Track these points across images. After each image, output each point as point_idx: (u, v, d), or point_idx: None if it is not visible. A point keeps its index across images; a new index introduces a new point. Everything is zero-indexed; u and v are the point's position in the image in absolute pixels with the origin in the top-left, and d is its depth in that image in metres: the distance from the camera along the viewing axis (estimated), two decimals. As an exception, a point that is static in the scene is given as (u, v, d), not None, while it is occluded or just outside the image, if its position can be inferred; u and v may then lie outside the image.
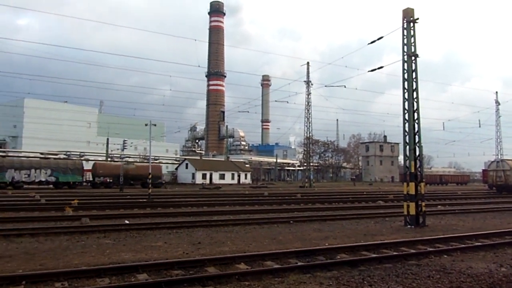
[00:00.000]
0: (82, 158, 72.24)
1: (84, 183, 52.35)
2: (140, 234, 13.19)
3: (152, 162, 53.13)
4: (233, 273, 7.81)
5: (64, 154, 69.30)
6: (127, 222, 16.12)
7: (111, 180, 50.54)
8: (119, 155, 76.80)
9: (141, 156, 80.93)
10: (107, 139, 71.54)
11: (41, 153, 67.47)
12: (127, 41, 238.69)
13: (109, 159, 71.75)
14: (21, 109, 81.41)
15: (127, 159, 75.23)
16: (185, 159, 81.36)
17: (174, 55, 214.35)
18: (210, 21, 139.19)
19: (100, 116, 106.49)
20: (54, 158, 56.12)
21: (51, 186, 47.32)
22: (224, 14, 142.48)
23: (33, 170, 45.66)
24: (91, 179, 53.48)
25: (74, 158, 65.05)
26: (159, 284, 7.04)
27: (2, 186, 42.71)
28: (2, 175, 43.39)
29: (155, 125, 40.27)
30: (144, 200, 27.60)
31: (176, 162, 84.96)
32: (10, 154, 74.20)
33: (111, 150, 73.86)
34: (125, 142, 76.41)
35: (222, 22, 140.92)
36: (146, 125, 39.06)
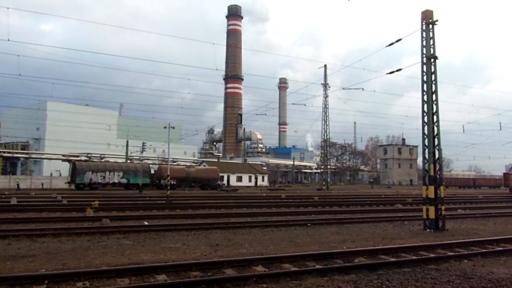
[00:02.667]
0: (103, 160, 73.41)
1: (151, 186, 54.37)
2: (159, 235, 13.36)
3: (171, 164, 54.31)
4: (250, 275, 7.86)
5: (85, 156, 70.48)
6: (146, 223, 16.32)
7: (174, 182, 52.57)
8: (138, 157, 77.76)
9: (159, 158, 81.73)
10: (127, 141, 72.50)
11: (63, 155, 68.85)
12: (146, 45, 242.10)
13: (128, 161, 72.68)
14: (44, 112, 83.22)
15: (146, 161, 76.13)
16: (203, 161, 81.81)
17: (192, 59, 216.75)
18: (228, 25, 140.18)
19: (120, 119, 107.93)
20: (126, 162, 60.46)
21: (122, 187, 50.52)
22: (242, 17, 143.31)
23: (107, 173, 49.68)
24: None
25: (95, 159, 66.04)
26: (178, 285, 7.15)
27: (81, 187, 47.23)
28: (81, 177, 47.80)
29: (173, 127, 40.70)
30: (163, 201, 27.89)
31: (194, 164, 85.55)
32: (32, 156, 76.11)
33: (131, 152, 74.81)
34: (144, 144, 77.45)
35: (240, 26, 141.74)
36: (164, 127, 39.54)
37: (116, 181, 50.16)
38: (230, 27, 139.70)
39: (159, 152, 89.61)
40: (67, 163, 67.10)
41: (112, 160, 73.78)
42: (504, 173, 66.21)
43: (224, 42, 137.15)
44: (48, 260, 9.26)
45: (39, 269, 8.33)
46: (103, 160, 69.08)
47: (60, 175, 69.40)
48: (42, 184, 54.20)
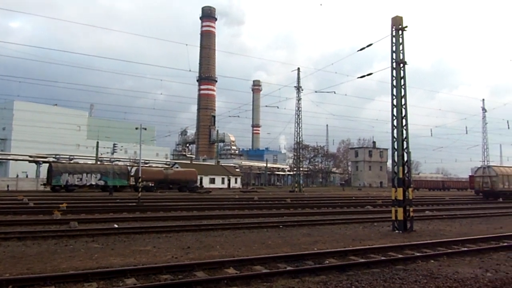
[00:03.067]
0: (72, 162, 71.64)
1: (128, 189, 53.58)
2: (129, 238, 13.14)
3: (143, 166, 53.70)
4: (221, 277, 7.83)
5: (53, 157, 68.60)
6: (116, 226, 16.04)
7: (152, 184, 53.02)
8: (109, 159, 76.29)
9: (131, 160, 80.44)
10: (97, 142, 71.01)
11: (30, 156, 66.77)
12: (118, 45, 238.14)
13: (98, 163, 71.24)
14: (10, 111, 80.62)
15: (117, 162, 74.80)
16: (175, 163, 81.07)
17: (165, 59, 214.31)
18: (202, 26, 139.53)
19: (90, 119, 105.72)
20: (104, 164, 59.69)
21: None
22: (216, 19, 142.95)
23: (84, 174, 48.73)
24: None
25: (64, 161, 64.41)
26: (148, 288, 7.05)
27: (57, 189, 46.32)
28: (57, 178, 46.69)
29: (145, 129, 40.15)
30: (134, 204, 27.46)
31: (167, 166, 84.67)
32: (-2, 157, 73.57)
33: (101, 154, 73.32)
34: (115, 145, 76.05)
35: (214, 27, 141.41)
36: (136, 128, 38.94)
37: (93, 183, 49.35)
38: (204, 28, 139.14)
39: (131, 153, 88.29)
40: (34, 164, 65.17)
41: (81, 161, 72.24)
42: (470, 176, 68.30)
43: (198, 44, 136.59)
44: (12, 265, 8.97)
45: (3, 273, 8.05)
46: (72, 162, 67.60)
47: (27, 176, 67.32)
48: (8, 186, 52.42)
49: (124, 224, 16.82)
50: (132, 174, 53.13)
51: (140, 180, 36.18)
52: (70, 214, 20.25)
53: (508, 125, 62.92)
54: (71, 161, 66.14)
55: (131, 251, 10.90)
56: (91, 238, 13.06)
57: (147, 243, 12.22)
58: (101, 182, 49.66)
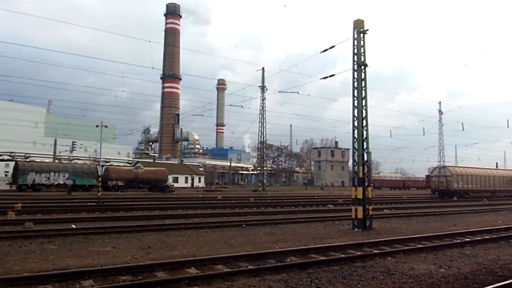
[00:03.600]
0: (28, 160, 68.89)
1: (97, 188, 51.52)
2: (87, 239, 12.79)
3: (103, 164, 52.70)
4: (182, 277, 7.76)
5: (8, 155, 65.82)
6: (73, 226, 15.58)
7: (122, 184, 52.16)
8: (67, 157, 73.96)
9: (91, 158, 78.31)
10: (55, 140, 68.70)
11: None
12: (80, 40, 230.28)
13: (56, 161, 68.91)
14: (-39, 107, 76.81)
15: (76, 160, 72.60)
16: (138, 161, 79.60)
17: (128, 56, 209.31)
18: (166, 23, 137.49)
19: (48, 116, 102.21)
20: (72, 163, 58.35)
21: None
22: (181, 16, 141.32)
23: (52, 174, 47.49)
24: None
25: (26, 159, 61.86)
26: (106, 290, 6.89)
27: (24, 188, 44.80)
28: (24, 177, 45.29)
29: (106, 126, 39.24)
30: (93, 203, 26.75)
31: (128, 165, 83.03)
32: None
33: (59, 152, 70.98)
34: (74, 143, 73.82)
35: (179, 25, 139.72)
36: (97, 126, 38.00)
37: (62, 182, 47.80)
38: (169, 25, 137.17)
39: (91, 151, 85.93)
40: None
41: (38, 159, 69.74)
42: (426, 175, 70.93)
43: (162, 41, 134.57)
44: (-39, 268, 8.53)
45: (-51, 277, 7.64)
46: (28, 160, 65.25)
47: (-21, 175, 64.32)
48: (-42, 186, 49.88)
49: (83, 225, 16.36)
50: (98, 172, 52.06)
51: (100, 178, 35.19)
52: (25, 215, 19.48)
53: (463, 127, 65.77)
54: (27, 159, 63.73)
55: (89, 252, 10.61)
56: (47, 239, 12.62)
57: (106, 244, 11.93)
58: (70, 182, 48.08)
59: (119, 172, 53.73)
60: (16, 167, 47.53)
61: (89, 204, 26.32)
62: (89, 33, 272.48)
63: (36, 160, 59.91)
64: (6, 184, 49.70)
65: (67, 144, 74.45)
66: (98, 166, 54.19)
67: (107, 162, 74.14)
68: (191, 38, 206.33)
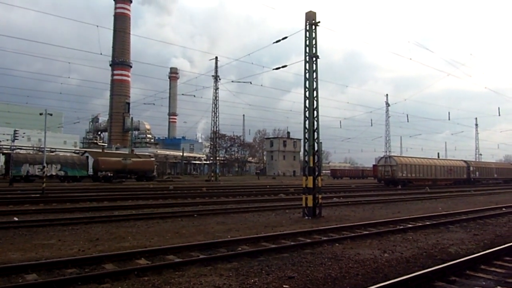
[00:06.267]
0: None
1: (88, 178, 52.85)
2: (30, 232, 12.24)
3: (47, 154, 50.99)
4: (131, 269, 7.63)
5: None
6: (16, 219, 14.86)
7: (111, 174, 53.37)
8: (9, 146, 70.10)
9: (35, 148, 74.68)
10: (-5, 128, 64.77)
11: None
12: (22, 23, 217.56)
13: (45, 153, 65.29)
14: None
15: (18, 150, 68.98)
16: (85, 151, 76.77)
17: (75, 42, 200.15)
18: (116, 8, 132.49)
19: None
20: (63, 155, 59.62)
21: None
22: (131, 1, 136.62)
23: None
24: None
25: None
26: (50, 284, 6.63)
27: (18, 180, 45.14)
28: (17, 169, 46.38)
29: (51, 114, 37.52)
30: (38, 195, 25.60)
31: (76, 155, 79.93)
32: None
33: (0, 141, 67.06)
34: (16, 132, 69.92)
35: (129, 10, 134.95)
36: (41, 114, 36.23)
37: (54, 173, 49.24)
38: (118, 10, 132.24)
39: (35, 141, 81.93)
40: None
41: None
42: (373, 165, 73.64)
43: (111, 26, 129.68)
44: None
45: None
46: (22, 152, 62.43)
47: None
48: None
49: (26, 217, 15.63)
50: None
51: (44, 167, 33.82)
52: (-39, 207, 18.34)
53: (408, 119, 68.70)
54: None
55: (32, 245, 10.18)
56: (-14, 232, 11.96)
57: (51, 237, 11.49)
58: (61, 173, 50.07)
59: (108, 163, 54.64)
60: (8, 159, 48.30)
61: (32, 195, 25.17)
62: (32, 16, 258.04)
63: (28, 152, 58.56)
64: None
65: (8, 133, 70.31)
66: (88, 158, 55.66)
67: (52, 152, 71.05)
68: (150, 27, 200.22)
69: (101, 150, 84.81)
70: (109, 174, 53.52)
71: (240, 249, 9.85)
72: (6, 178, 46.86)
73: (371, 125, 70.31)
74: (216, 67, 60.99)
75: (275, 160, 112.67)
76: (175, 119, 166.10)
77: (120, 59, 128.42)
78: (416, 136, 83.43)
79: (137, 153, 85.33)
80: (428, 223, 14.96)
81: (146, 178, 57.22)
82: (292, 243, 10.60)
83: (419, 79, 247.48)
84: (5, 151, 70.41)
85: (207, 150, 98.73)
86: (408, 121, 68.64)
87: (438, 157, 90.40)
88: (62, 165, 50.53)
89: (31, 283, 6.75)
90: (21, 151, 67.49)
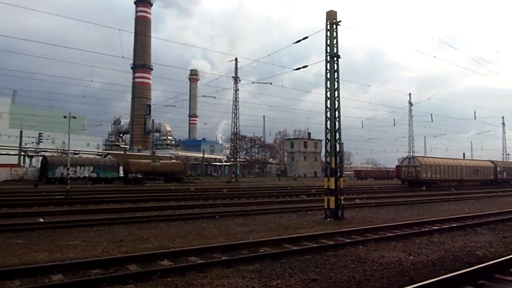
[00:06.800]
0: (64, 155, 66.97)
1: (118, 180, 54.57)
2: (55, 233, 12.45)
3: (81, 156, 52.71)
4: (155, 270, 7.66)
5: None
6: (41, 220, 15.15)
7: (141, 176, 54.36)
8: (34, 149, 71.80)
9: (59, 150, 76.28)
10: (21, 131, 66.39)
11: None
12: (46, 28, 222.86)
13: (22, 153, 66.84)
14: None
15: (43, 152, 70.66)
16: (108, 153, 78.07)
17: (98, 45, 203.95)
18: (137, 11, 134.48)
19: (13, 106, 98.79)
20: (95, 157, 62.10)
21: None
22: (151, 4, 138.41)
23: (78, 167, 50.86)
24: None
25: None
26: (76, 284, 6.72)
27: (53, 181, 47.25)
28: (52, 171, 48.33)
29: (74, 117, 38.07)
30: (61, 196, 26.10)
31: (98, 157, 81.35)
32: None
33: (25, 144, 68.79)
34: (41, 135, 71.65)
35: (150, 13, 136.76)
36: (65, 117, 36.90)
37: (87, 175, 51.14)
38: (139, 14, 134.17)
39: (59, 143, 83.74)
40: None
41: (3, 152, 67.90)
42: (396, 166, 72.52)
43: (133, 30, 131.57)
44: None
45: None
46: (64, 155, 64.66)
47: None
48: None
49: (51, 218, 15.93)
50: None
51: (68, 170, 34.47)
52: (-11, 209, 18.82)
53: (432, 118, 67.46)
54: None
55: (58, 246, 10.34)
56: (13, 233, 12.21)
57: (75, 238, 11.66)
58: (94, 175, 51.71)
59: (138, 165, 56.07)
60: (44, 162, 50.29)
61: (57, 197, 25.67)
62: (56, 21, 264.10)
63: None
64: (36, 177, 51.70)
65: (33, 135, 72.11)
66: (117, 161, 57.09)
67: (76, 154, 72.47)
68: (171, 30, 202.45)
69: (123, 152, 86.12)
70: (139, 176, 54.56)
71: (262, 251, 9.79)
72: (43, 179, 48.37)
73: (394, 125, 69.25)
74: (236, 68, 61.17)
75: (296, 161, 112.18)
76: (195, 120, 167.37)
77: (141, 61, 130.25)
78: (441, 136, 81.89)
79: (158, 154, 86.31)
80: (454, 225, 14.60)
81: (174, 179, 58.33)
82: (315, 245, 10.47)
83: (443, 78, 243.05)
84: (30, 154, 72.26)
85: (228, 151, 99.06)
86: (432, 121, 67.48)
87: (464, 157, 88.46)
88: (95, 167, 52.27)
89: (57, 284, 6.84)
90: (46, 153, 69.11)
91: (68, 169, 36.51)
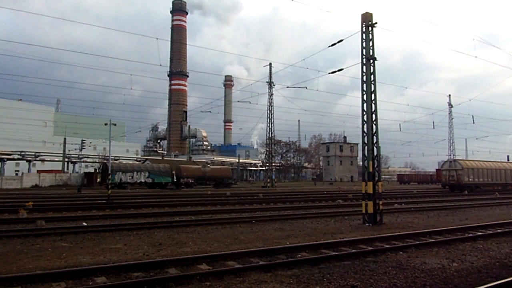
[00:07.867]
0: (38, 159, 69.66)
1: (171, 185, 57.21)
2: (98, 237, 12.86)
3: (112, 162, 54.04)
4: (194, 273, 7.77)
5: (18, 154, 66.41)
6: (85, 224, 15.68)
7: (192, 181, 57.38)
8: (77, 155, 74.50)
9: (100, 156, 78.81)
10: (64, 138, 69.10)
11: None
12: (88, 39, 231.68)
13: (66, 159, 69.49)
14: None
15: (85, 159, 73.22)
16: (146, 159, 79.93)
17: (136, 54, 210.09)
18: (172, 20, 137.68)
19: (57, 115, 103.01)
20: (150, 164, 63.95)
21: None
22: (187, 13, 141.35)
23: (135, 173, 53.58)
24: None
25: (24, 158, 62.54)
26: (118, 287, 6.92)
27: (112, 187, 48.47)
28: (112, 177, 48.94)
29: (115, 124, 39.47)
30: (103, 201, 26.92)
31: (137, 163, 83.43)
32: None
33: (69, 150, 71.53)
34: (84, 141, 74.28)
35: (185, 21, 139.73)
36: (105, 124, 38.21)
37: (143, 180, 53.68)
38: (175, 22, 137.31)
39: (100, 150, 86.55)
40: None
41: (48, 158, 70.75)
42: (436, 169, 70.43)
43: (169, 38, 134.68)
44: (-25, 266, 8.62)
45: (-36, 275, 7.72)
46: (38, 158, 66.89)
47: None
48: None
49: (93, 222, 16.47)
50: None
51: (109, 176, 35.53)
52: (36, 213, 19.66)
53: (473, 120, 65.04)
54: (37, 158, 64.36)
55: (100, 249, 10.68)
56: (59, 236, 12.71)
57: (117, 241, 12.00)
58: (149, 180, 54.21)
59: (189, 171, 58.60)
60: (103, 168, 53.11)
61: (99, 202, 26.50)
62: (96, 32, 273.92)
63: (43, 158, 62.08)
64: (97, 182, 55.14)
65: (76, 142, 74.86)
66: (170, 166, 58.75)
67: (116, 160, 74.66)
68: (208, 40, 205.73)
69: (160, 158, 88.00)
70: (190, 181, 56.90)
71: (299, 256, 9.73)
72: (103, 185, 50.16)
73: (433, 127, 67.13)
74: (270, 73, 61.31)
75: (332, 166, 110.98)
76: (230, 126, 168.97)
77: (177, 69, 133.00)
78: (483, 138, 78.61)
79: (194, 160, 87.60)
80: (499, 230, 14.01)
81: (223, 184, 59.46)
82: (353, 250, 10.31)
83: (484, 78, 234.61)
84: (73, 160, 74.92)
85: (263, 156, 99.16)
86: (473, 123, 65.01)
87: (508, 160, 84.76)
88: (150, 173, 54.60)
89: (101, 286, 7.06)
90: (88, 159, 71.62)
91: (108, 174, 37.74)
